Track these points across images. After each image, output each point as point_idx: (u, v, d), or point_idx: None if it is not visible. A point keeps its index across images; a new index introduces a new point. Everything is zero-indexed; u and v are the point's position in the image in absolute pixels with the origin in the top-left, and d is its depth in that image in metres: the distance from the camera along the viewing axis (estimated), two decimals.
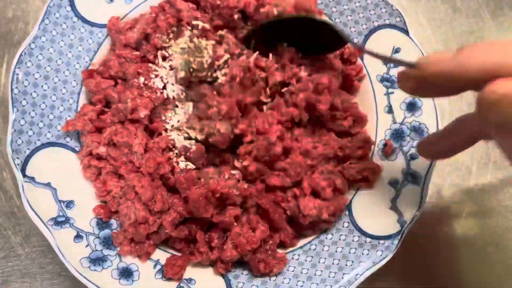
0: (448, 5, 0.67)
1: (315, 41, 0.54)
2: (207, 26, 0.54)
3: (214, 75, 0.52)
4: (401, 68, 0.41)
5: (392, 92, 0.58)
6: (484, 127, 0.37)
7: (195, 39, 0.53)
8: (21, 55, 0.52)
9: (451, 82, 0.34)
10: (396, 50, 0.58)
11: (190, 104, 0.52)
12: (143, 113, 0.51)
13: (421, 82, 0.37)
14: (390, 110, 0.57)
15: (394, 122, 0.57)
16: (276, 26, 0.54)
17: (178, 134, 0.51)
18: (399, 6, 0.59)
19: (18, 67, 0.52)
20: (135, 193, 0.49)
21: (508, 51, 0.32)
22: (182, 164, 0.49)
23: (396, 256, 0.49)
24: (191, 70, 0.51)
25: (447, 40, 0.68)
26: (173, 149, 0.51)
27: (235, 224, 0.50)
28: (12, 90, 0.51)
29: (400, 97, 0.57)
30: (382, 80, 0.58)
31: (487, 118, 0.32)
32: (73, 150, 0.53)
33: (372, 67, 0.59)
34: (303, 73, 0.53)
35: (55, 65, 0.54)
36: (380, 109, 0.58)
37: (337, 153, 0.54)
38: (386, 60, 0.43)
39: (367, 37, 0.59)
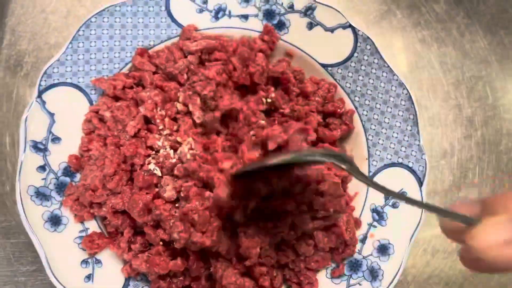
0: (459, 51, 0.74)
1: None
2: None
3: None
4: None
5: (375, 226, 0.57)
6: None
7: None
8: (104, 10, 0.60)
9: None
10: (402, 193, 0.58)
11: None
12: (142, 111, 0.54)
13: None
14: (363, 240, 0.56)
15: (360, 252, 0.56)
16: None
17: (165, 143, 0.53)
18: (413, 50, 0.66)
19: (95, 17, 0.59)
20: (103, 162, 0.53)
21: None
22: (151, 166, 0.52)
23: None
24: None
25: (458, 83, 0.73)
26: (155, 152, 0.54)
27: (161, 243, 0.51)
28: (78, 30, 0.58)
29: (378, 235, 0.56)
30: (374, 211, 0.58)
31: None
32: (90, 101, 0.58)
33: (373, 194, 0.58)
34: None
35: (124, 32, 0.61)
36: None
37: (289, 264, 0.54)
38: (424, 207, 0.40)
39: (386, 166, 0.60)
